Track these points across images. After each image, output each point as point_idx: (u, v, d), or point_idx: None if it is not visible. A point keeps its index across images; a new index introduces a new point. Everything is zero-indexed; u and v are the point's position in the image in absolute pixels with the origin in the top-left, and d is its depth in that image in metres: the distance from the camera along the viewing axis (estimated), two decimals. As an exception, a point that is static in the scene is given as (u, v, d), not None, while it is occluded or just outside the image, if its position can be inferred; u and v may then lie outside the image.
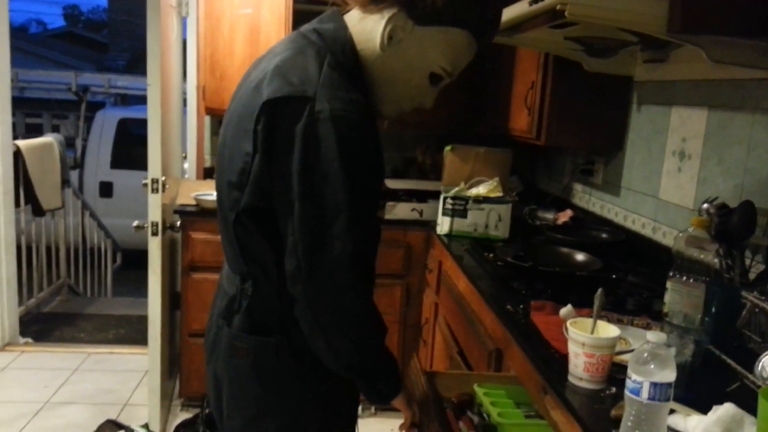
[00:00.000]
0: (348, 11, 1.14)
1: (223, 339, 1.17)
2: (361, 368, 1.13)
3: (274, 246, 1.08)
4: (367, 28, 1.10)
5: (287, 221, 1.03)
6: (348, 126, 1.01)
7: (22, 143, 3.84)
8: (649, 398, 0.92)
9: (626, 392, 0.96)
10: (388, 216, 2.83)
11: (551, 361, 1.28)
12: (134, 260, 5.47)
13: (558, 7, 1.56)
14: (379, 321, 1.14)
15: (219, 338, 1.19)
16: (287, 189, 1.01)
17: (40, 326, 3.94)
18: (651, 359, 0.94)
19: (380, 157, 1.08)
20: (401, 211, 2.82)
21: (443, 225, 2.46)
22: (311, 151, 0.99)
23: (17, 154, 3.70)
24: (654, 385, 0.92)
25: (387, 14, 1.08)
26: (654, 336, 0.95)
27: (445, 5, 1.06)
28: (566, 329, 1.20)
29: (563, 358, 1.25)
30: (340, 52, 1.08)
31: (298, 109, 1.00)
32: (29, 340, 3.66)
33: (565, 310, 1.45)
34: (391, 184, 3.00)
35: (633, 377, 0.94)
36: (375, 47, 1.10)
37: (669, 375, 0.93)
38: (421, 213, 2.83)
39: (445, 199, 2.44)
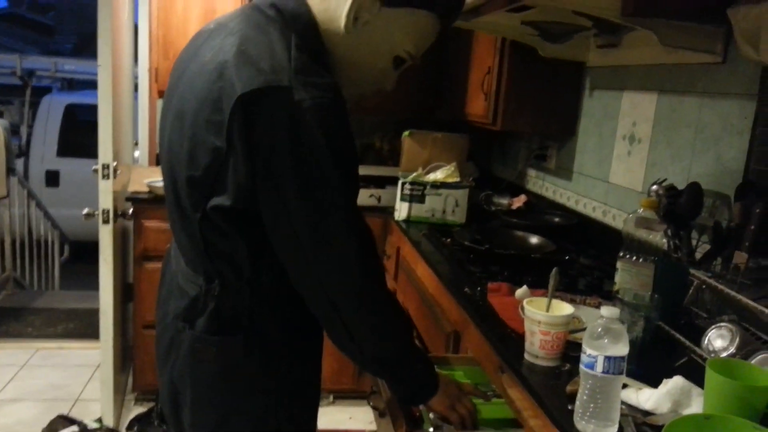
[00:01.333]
0: None
1: (184, 342, 1.11)
2: (388, 362, 1.12)
3: (247, 241, 1.04)
4: (330, 6, 1.04)
5: (279, 217, 0.99)
6: (331, 114, 0.97)
7: (-39, 129, 3.67)
8: (603, 372, 0.94)
9: (581, 366, 0.97)
10: (345, 202, 2.82)
11: (508, 341, 1.30)
12: (82, 252, 5.31)
13: (514, -11, 1.56)
14: (401, 311, 1.13)
15: (178, 341, 1.13)
16: (277, 186, 0.96)
17: (-10, 320, 3.80)
18: (605, 334, 0.96)
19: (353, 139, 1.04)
20: (359, 197, 2.79)
21: (401, 211, 2.46)
22: (299, 144, 0.94)
23: (-43, 141, 3.54)
24: (608, 358, 0.94)
25: (358, 2, 1.03)
26: (608, 311, 0.97)
27: None
28: (522, 308, 1.22)
29: (519, 338, 1.26)
30: (303, 32, 1.02)
31: (277, 101, 0.94)
32: (-23, 334, 3.53)
33: (521, 290, 1.46)
34: (349, 170, 2.98)
35: (588, 351, 0.96)
36: (339, 28, 1.05)
37: (622, 349, 0.95)
38: (379, 199, 2.82)
39: (403, 184, 2.44)
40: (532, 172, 2.80)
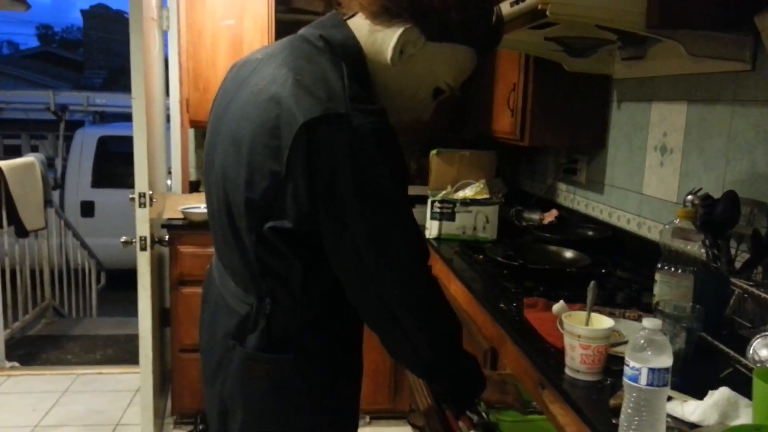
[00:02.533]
0: (350, 17, 1.12)
1: (234, 360, 1.14)
2: (443, 363, 1.17)
3: (301, 262, 1.07)
4: (377, 40, 1.09)
5: (341, 238, 1.03)
6: (387, 138, 1.02)
7: (3, 163, 3.80)
8: (647, 384, 0.93)
9: (625, 379, 0.97)
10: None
11: (547, 356, 1.29)
12: (118, 280, 5.42)
13: (539, 6, 1.58)
14: (452, 312, 1.19)
15: (228, 359, 1.15)
16: (339, 208, 1.00)
17: (26, 349, 3.89)
18: (648, 345, 0.95)
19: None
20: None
21: (432, 229, 2.47)
22: (359, 167, 0.98)
23: (-2, 175, 3.66)
24: (652, 370, 0.93)
25: (399, 28, 1.07)
26: (650, 322, 0.96)
27: (458, 24, 1.07)
28: (561, 323, 1.22)
29: (559, 353, 1.26)
30: (352, 62, 1.07)
31: (337, 127, 0.97)
32: (15, 363, 3.60)
33: (558, 305, 1.46)
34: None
35: (631, 364, 0.95)
36: (385, 60, 1.09)
37: (666, 360, 0.94)
38: (408, 218, 2.83)
39: (432, 203, 2.45)
40: (562, 186, 2.79)
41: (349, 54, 1.08)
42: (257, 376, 1.12)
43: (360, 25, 1.10)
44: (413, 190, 3.02)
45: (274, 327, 1.11)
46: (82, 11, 20.07)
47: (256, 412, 1.15)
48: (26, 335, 4.18)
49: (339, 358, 1.17)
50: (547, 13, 1.62)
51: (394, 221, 1.03)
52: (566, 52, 2.18)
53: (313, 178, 0.99)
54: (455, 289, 2.01)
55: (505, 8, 1.82)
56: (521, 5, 1.79)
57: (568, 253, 1.97)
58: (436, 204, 2.44)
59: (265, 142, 1.02)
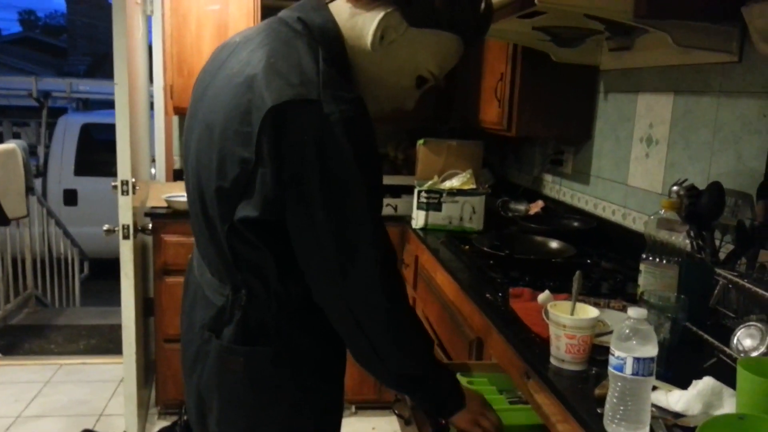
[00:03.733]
0: (332, 0, 1.08)
1: (211, 352, 1.11)
2: (413, 378, 1.13)
3: (274, 253, 1.04)
4: (357, 24, 1.05)
5: (304, 229, 1.00)
6: (358, 127, 0.98)
7: (-18, 151, 3.73)
8: (632, 373, 0.94)
9: (610, 369, 0.97)
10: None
11: (532, 346, 1.30)
12: (101, 269, 5.36)
13: (527, -5, 1.57)
14: (422, 327, 1.14)
15: (204, 352, 1.13)
16: (303, 198, 0.97)
17: (9, 339, 3.84)
18: (633, 335, 0.95)
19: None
20: (375, 206, 2.81)
21: (418, 219, 2.46)
22: (328, 158, 0.95)
23: (-22, 162, 3.60)
24: (637, 360, 0.93)
25: (381, 12, 1.03)
26: (635, 312, 0.96)
27: (443, 9, 1.03)
28: (546, 313, 1.22)
29: (544, 342, 1.26)
30: (330, 47, 1.03)
31: (306, 114, 0.94)
32: (-3, 353, 3.57)
33: (544, 295, 1.46)
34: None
35: (616, 353, 0.95)
36: (365, 45, 1.05)
37: (651, 350, 0.94)
38: (395, 208, 2.83)
39: (419, 192, 2.45)
40: (548, 177, 2.79)
41: (327, 38, 1.04)
42: (233, 369, 1.09)
43: (341, 8, 1.06)
44: (400, 180, 3.01)
45: (250, 319, 1.08)
46: (66, -4, 19.78)
47: (232, 406, 1.13)
48: (8, 324, 4.13)
49: (320, 352, 1.14)
50: (536, 1, 1.61)
51: (359, 216, 0.99)
52: (554, 42, 2.17)
53: (281, 166, 0.95)
54: (441, 279, 2.01)
55: (494, -3, 1.81)
56: (510, -6, 1.79)
57: (554, 244, 1.97)
58: (423, 194, 2.44)
59: (236, 128, 0.98)
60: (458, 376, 1.41)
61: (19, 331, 4.02)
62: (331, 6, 1.07)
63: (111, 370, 3.34)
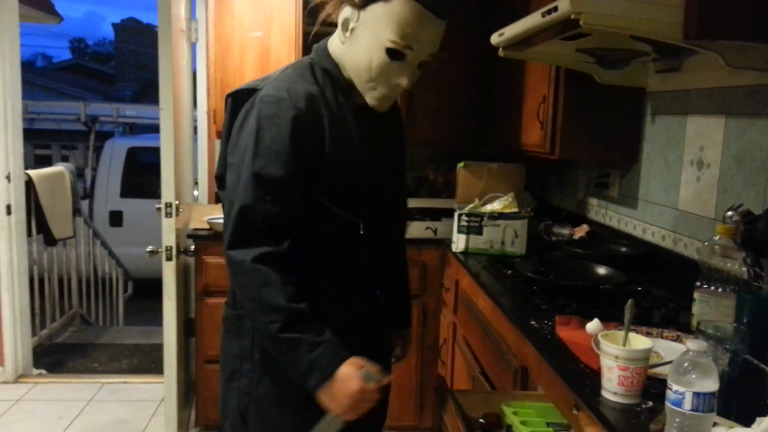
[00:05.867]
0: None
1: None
2: (275, 341, 1.20)
3: None
4: (336, 34, 1.31)
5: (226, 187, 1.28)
6: (271, 106, 1.21)
7: (33, 173, 3.85)
8: (692, 409, 0.89)
9: (667, 404, 0.92)
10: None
11: (582, 377, 1.25)
12: (145, 289, 5.46)
13: (572, 16, 1.55)
14: (285, 288, 1.19)
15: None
16: (228, 153, 1.28)
17: (54, 357, 3.92)
18: (692, 368, 0.91)
19: (297, 146, 1.20)
20: (415, 229, 2.80)
21: (459, 243, 2.43)
22: (241, 127, 1.24)
23: (29, 184, 3.71)
24: (697, 395, 0.89)
25: (343, 15, 1.26)
26: (694, 344, 0.92)
27: None
28: (597, 343, 1.17)
29: (594, 374, 1.21)
30: (321, 59, 1.31)
31: (248, 98, 1.26)
32: (43, 371, 3.63)
33: (593, 324, 1.41)
34: (404, 203, 2.98)
35: (674, 388, 0.91)
36: (341, 45, 1.29)
37: (712, 384, 0.90)
38: (435, 231, 2.81)
39: (459, 216, 2.42)
40: (593, 201, 2.73)
41: (320, 53, 1.32)
42: (223, 326, 1.39)
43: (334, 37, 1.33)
44: (439, 203, 3.00)
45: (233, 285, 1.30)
46: (114, 25, 20.50)
47: (222, 358, 1.39)
48: (54, 343, 4.22)
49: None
50: (581, 23, 1.58)
51: (241, 181, 1.20)
52: (598, 64, 2.14)
53: (230, 132, 1.29)
54: (483, 305, 1.97)
55: (536, 19, 1.79)
56: (553, 15, 1.75)
57: (601, 270, 1.91)
58: (464, 217, 2.41)
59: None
60: (503, 406, 1.38)
61: (64, 349, 4.10)
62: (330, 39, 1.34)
63: (152, 390, 3.37)
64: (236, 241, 1.20)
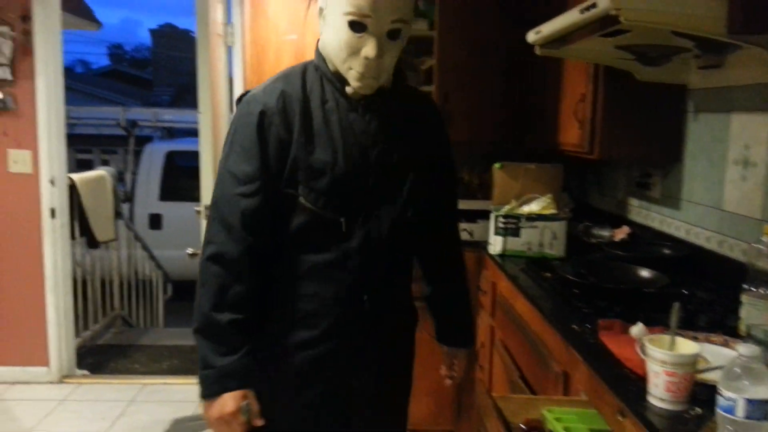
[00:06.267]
0: None
1: None
2: (196, 337, 1.29)
3: None
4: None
5: None
6: (245, 106, 1.29)
7: (76, 177, 3.95)
8: (745, 416, 0.86)
9: (718, 411, 0.90)
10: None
11: (627, 382, 1.22)
12: (184, 291, 5.54)
13: (612, 12, 1.52)
14: (221, 301, 1.26)
15: None
16: None
17: (96, 358, 4.01)
18: (744, 374, 0.88)
19: (263, 142, 1.26)
20: (451, 231, 2.77)
21: (496, 245, 2.41)
22: (232, 127, 1.33)
23: (72, 188, 3.80)
24: (750, 402, 0.86)
25: (318, 4, 1.32)
26: (747, 349, 0.89)
27: None
28: (642, 347, 1.14)
29: (640, 379, 1.18)
30: (316, 57, 1.37)
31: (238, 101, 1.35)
32: (86, 372, 3.72)
33: (637, 328, 1.37)
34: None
35: (726, 394, 0.88)
36: (322, 36, 1.33)
37: (766, 391, 0.86)
38: (471, 233, 2.78)
39: (496, 218, 2.39)
40: (633, 202, 2.67)
41: (316, 62, 1.37)
42: None
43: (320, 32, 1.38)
44: (475, 204, 2.97)
45: None
46: (151, 31, 20.96)
47: None
48: (96, 344, 4.31)
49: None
50: (621, 20, 1.55)
51: (221, 178, 1.29)
52: (638, 61, 2.09)
53: None
54: (522, 308, 1.95)
55: (575, 16, 1.76)
56: (592, 12, 1.72)
57: (644, 272, 1.86)
58: (500, 219, 2.38)
59: None
60: (545, 411, 1.35)
61: (106, 351, 4.20)
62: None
63: (192, 391, 3.42)
64: (205, 237, 1.31)
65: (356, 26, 1.22)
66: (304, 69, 1.36)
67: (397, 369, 1.50)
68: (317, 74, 1.34)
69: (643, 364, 1.14)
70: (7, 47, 3.26)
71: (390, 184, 1.36)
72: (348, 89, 1.32)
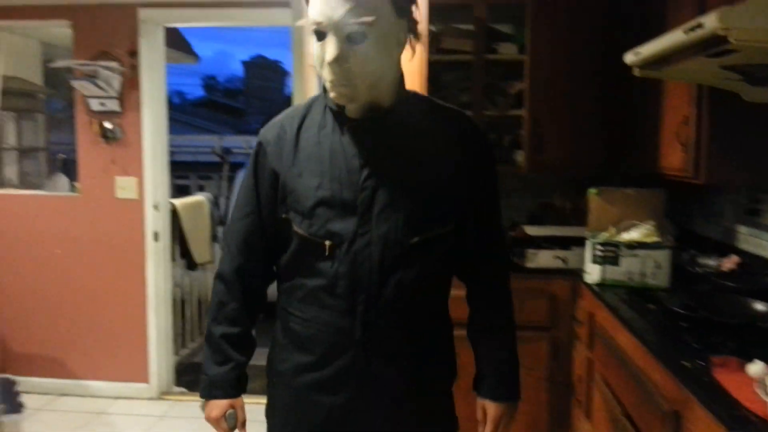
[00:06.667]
0: None
1: None
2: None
3: None
4: None
5: None
6: (259, 144, 1.36)
7: (177, 202, 4.16)
8: None
9: None
10: (529, 264, 2.73)
11: (747, 425, 1.14)
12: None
13: (720, 33, 1.45)
14: (220, 316, 1.42)
15: None
16: None
17: (193, 375, 4.13)
18: None
19: (258, 170, 1.34)
20: (543, 258, 2.71)
21: (593, 273, 2.32)
22: None
23: (173, 212, 4.01)
24: None
25: None
26: None
27: None
28: (764, 387, 1.06)
29: (761, 421, 1.10)
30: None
31: None
32: (183, 389, 3.86)
33: (756, 367, 1.29)
34: (530, 230, 2.90)
35: None
36: None
37: None
38: (564, 260, 2.70)
39: (593, 245, 2.31)
40: (742, 229, 2.51)
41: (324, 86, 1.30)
42: None
43: None
44: (568, 231, 2.89)
45: None
46: (243, 62, 21.98)
47: None
48: (193, 362, 4.47)
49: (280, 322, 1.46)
50: (731, 40, 1.48)
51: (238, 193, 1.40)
52: (746, 81, 1.98)
53: None
54: (625, 342, 1.86)
55: (678, 36, 1.70)
56: (698, 32, 1.65)
57: (759, 306, 1.74)
58: (598, 246, 2.30)
59: None
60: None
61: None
62: None
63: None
64: (221, 261, 1.43)
65: (319, 35, 1.19)
66: (315, 98, 1.38)
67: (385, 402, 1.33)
68: (320, 99, 1.35)
69: (764, 405, 1.06)
70: (117, 81, 3.49)
71: (386, 207, 1.24)
72: (346, 111, 1.28)
